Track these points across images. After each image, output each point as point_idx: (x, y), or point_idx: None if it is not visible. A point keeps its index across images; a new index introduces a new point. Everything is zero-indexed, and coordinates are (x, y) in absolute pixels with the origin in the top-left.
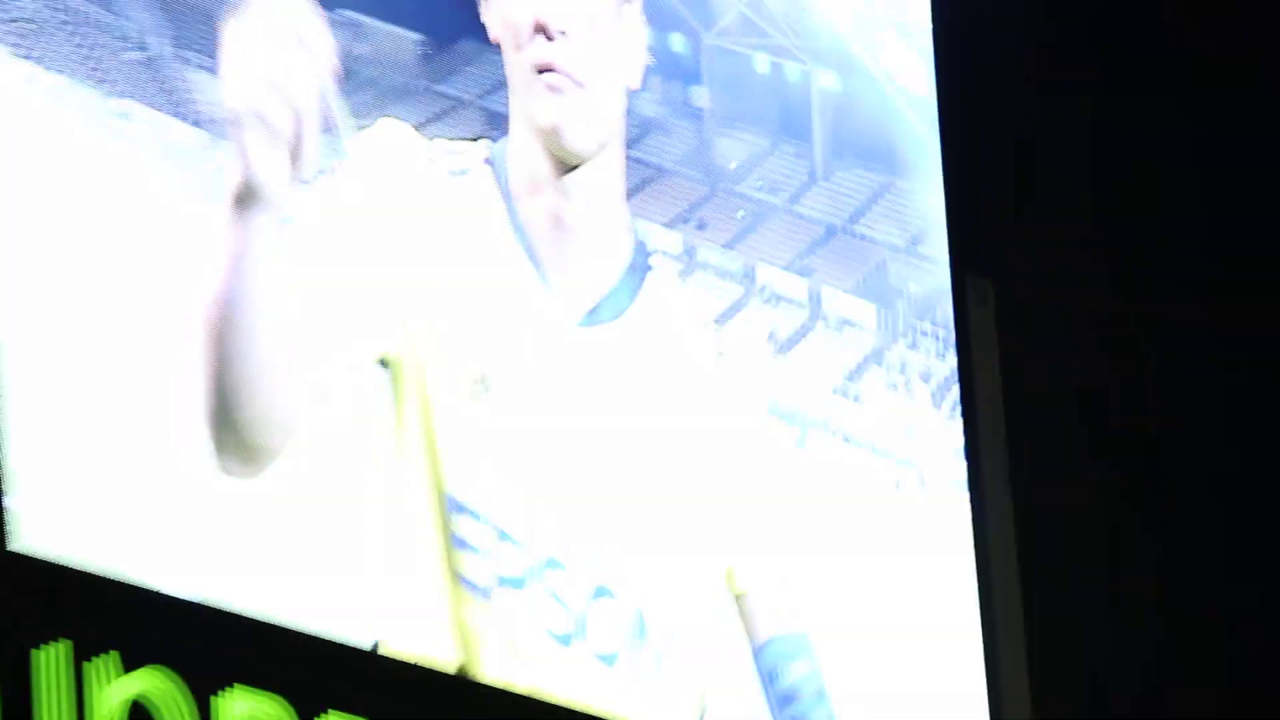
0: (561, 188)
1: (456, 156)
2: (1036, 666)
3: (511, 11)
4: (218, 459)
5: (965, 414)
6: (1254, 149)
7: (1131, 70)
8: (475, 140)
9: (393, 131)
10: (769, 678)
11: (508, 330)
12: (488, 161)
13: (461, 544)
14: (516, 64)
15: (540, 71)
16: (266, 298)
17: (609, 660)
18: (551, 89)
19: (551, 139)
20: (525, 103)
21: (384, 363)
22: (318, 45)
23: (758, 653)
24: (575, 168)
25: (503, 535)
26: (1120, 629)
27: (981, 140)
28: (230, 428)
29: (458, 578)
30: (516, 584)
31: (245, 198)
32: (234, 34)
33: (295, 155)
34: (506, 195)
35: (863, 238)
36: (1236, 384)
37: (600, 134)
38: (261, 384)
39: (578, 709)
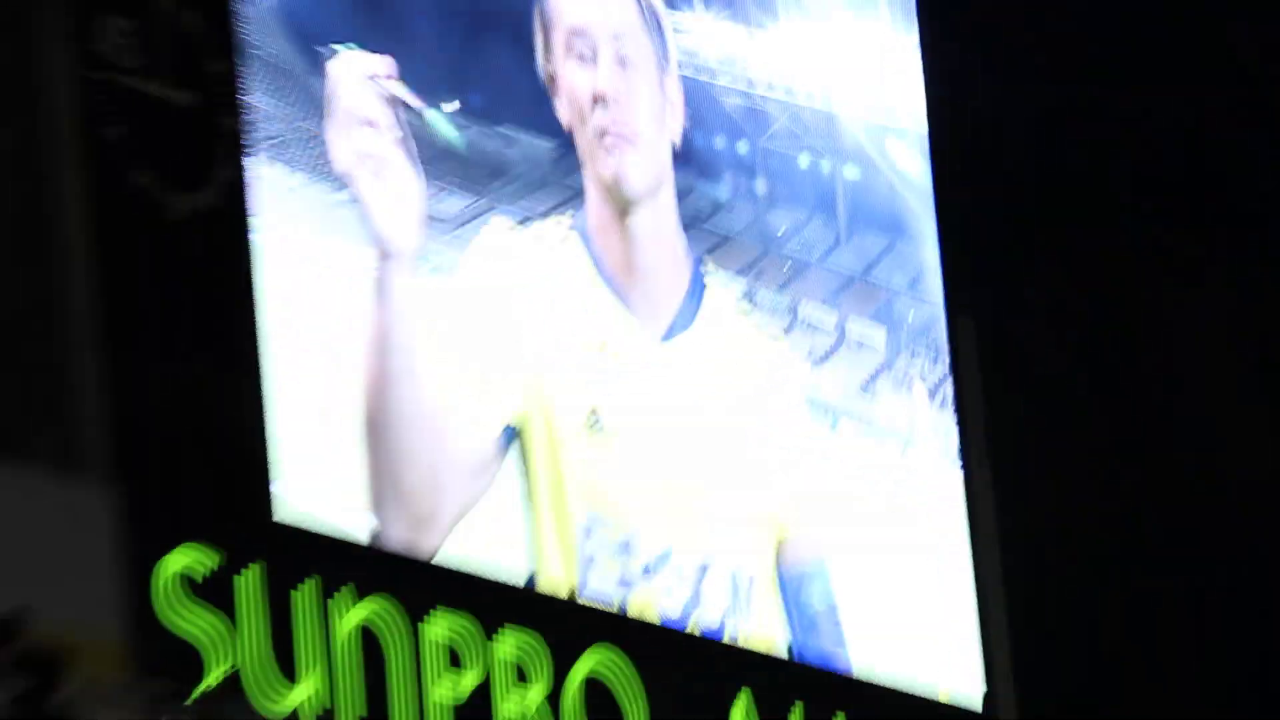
0: (628, 229)
1: (551, 233)
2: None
3: (575, 92)
4: (386, 530)
5: (955, 406)
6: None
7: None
8: (561, 217)
9: (500, 227)
10: (794, 594)
11: (607, 363)
12: (573, 229)
13: (591, 563)
14: (583, 136)
15: (601, 136)
16: (416, 348)
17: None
18: (611, 148)
19: (615, 189)
20: (593, 166)
21: (511, 427)
22: (385, 115)
23: (787, 577)
24: (637, 208)
25: (624, 546)
26: (1079, 575)
27: (961, 213)
28: (393, 499)
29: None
30: (638, 580)
31: (378, 248)
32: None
33: (402, 202)
34: (594, 256)
35: (875, 283)
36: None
37: (652, 179)
38: (418, 451)
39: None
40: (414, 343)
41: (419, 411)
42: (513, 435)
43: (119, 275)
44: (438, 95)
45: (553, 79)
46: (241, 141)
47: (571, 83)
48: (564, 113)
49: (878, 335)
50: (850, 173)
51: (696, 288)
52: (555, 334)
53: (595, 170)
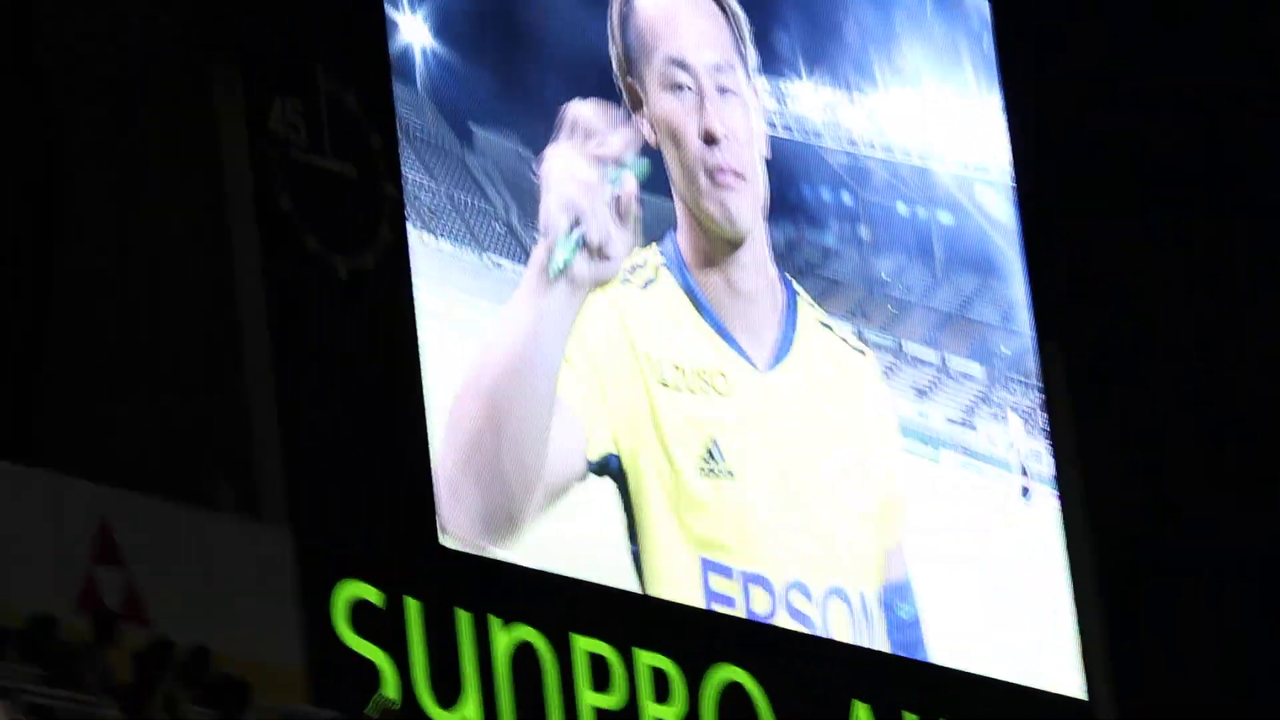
0: (735, 262)
1: (641, 270)
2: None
3: (673, 120)
4: (460, 523)
5: (1048, 433)
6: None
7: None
8: (645, 246)
9: (597, 271)
10: (889, 606)
11: (720, 400)
12: (664, 266)
13: (717, 598)
14: (679, 163)
15: (715, 174)
16: (553, 363)
17: None
18: (727, 186)
19: (727, 225)
20: (696, 199)
21: (600, 468)
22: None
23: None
24: (741, 242)
25: (751, 579)
26: (1169, 588)
27: (1045, 253)
28: (484, 484)
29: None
30: (767, 618)
31: (557, 275)
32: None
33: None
34: (690, 287)
35: (971, 319)
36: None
37: (759, 211)
38: (527, 444)
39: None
40: (545, 361)
41: (530, 425)
42: (607, 465)
43: (292, 332)
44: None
45: (633, 92)
46: (399, 209)
47: (668, 112)
48: (649, 133)
49: (975, 369)
50: (944, 218)
51: (790, 308)
52: (659, 368)
53: (701, 207)
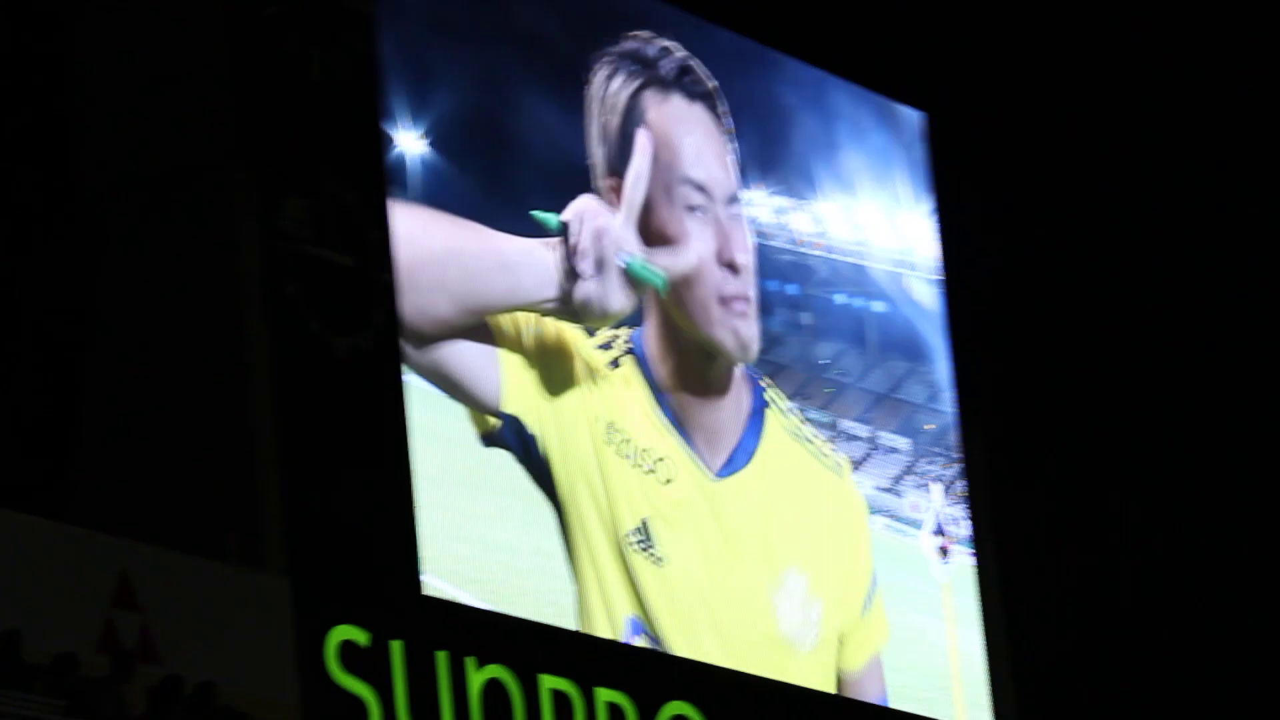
0: (706, 368)
1: (609, 351)
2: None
3: (700, 248)
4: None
5: (968, 500)
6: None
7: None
8: (618, 330)
9: (567, 337)
10: None
11: (661, 487)
12: (632, 351)
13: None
14: (692, 285)
15: (730, 301)
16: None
17: None
18: (741, 314)
19: (739, 352)
20: (708, 326)
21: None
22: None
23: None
24: (721, 376)
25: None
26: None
27: (969, 338)
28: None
29: None
30: None
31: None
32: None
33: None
34: (652, 381)
35: (900, 399)
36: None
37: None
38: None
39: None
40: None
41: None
42: (520, 431)
43: (294, 404)
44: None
45: (615, 193)
46: (391, 295)
47: (694, 239)
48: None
49: (902, 443)
50: (877, 307)
51: (757, 415)
52: (608, 430)
53: (712, 334)
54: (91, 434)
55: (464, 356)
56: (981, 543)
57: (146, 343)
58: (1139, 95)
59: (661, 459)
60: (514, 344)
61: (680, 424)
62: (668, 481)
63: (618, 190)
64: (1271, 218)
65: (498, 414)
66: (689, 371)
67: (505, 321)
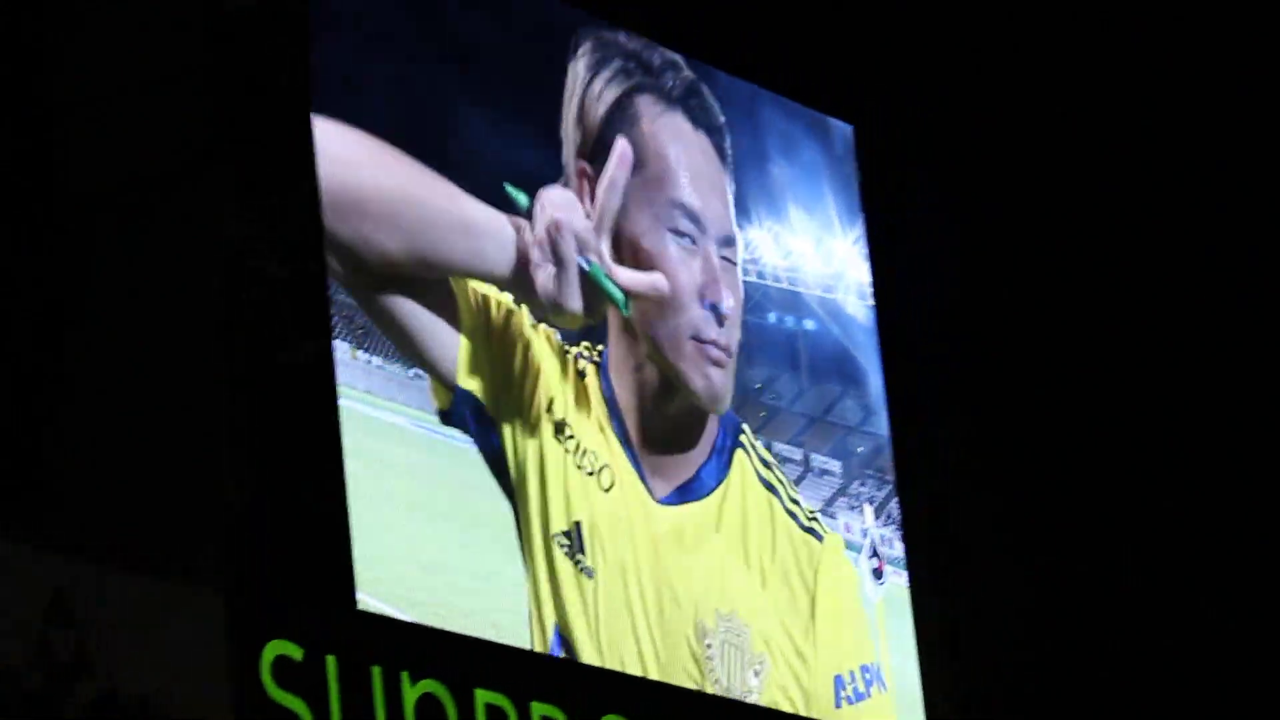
0: (675, 411)
1: (576, 357)
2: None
3: (669, 266)
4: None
5: (901, 522)
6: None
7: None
8: (595, 347)
9: (534, 329)
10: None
11: (598, 493)
12: (599, 365)
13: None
14: (663, 312)
15: (707, 345)
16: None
17: None
18: (718, 363)
19: (709, 402)
20: (676, 358)
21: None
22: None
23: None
24: (696, 420)
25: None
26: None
27: (902, 359)
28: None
29: None
30: None
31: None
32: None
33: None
34: (610, 397)
35: (833, 422)
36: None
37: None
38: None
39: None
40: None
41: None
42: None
43: (233, 418)
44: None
45: (584, 177)
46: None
47: (674, 265)
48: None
49: (834, 465)
50: (809, 326)
51: (722, 454)
52: (553, 416)
53: (677, 369)
54: (21, 448)
55: (423, 314)
56: (914, 563)
57: (84, 357)
58: (1077, 100)
59: (605, 466)
60: (476, 317)
61: (629, 444)
62: (609, 488)
63: (587, 176)
64: (1229, 231)
65: (453, 386)
66: (647, 398)
67: (470, 291)
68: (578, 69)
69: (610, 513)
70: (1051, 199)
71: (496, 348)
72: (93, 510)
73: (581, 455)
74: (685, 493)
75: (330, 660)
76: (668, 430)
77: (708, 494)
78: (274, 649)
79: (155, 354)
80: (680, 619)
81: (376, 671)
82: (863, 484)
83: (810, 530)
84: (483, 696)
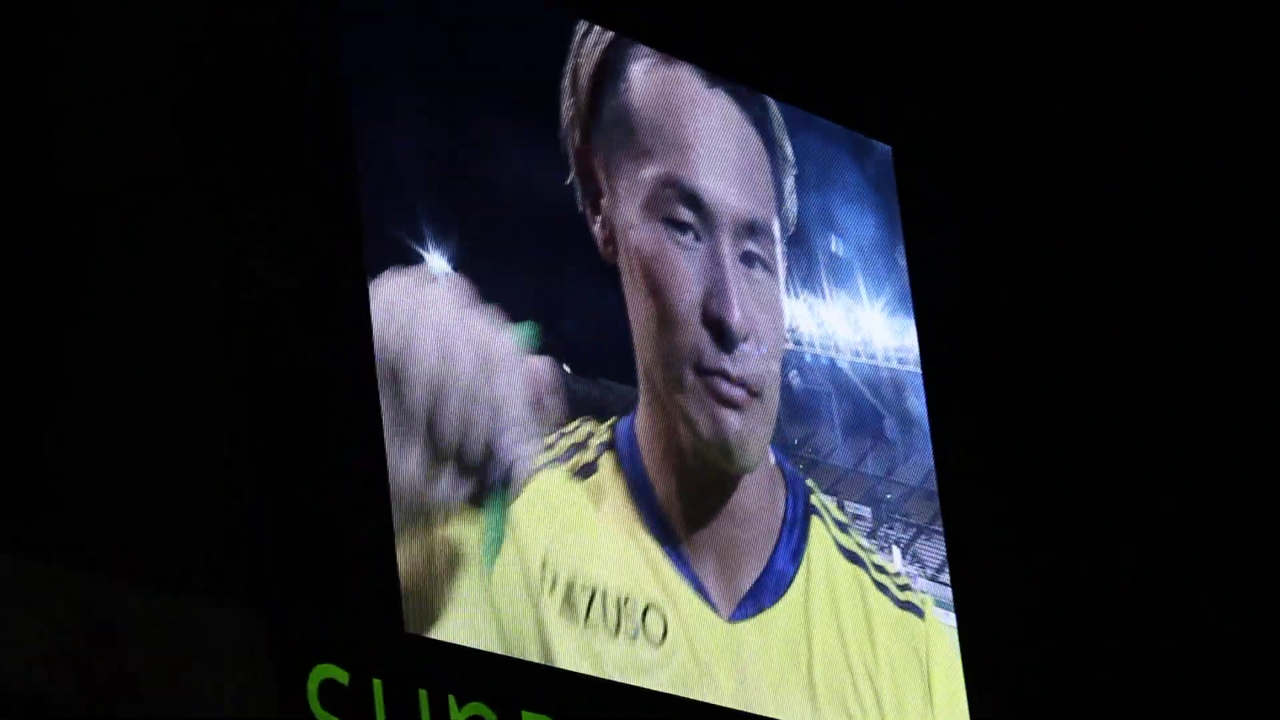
0: (729, 514)
1: (582, 453)
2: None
3: (658, 271)
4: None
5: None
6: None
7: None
8: (596, 425)
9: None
10: None
11: (650, 651)
12: (613, 446)
13: None
14: (655, 337)
15: (716, 379)
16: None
17: None
18: (733, 403)
19: (722, 456)
20: (672, 393)
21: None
22: None
23: None
24: (735, 489)
25: None
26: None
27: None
28: None
29: None
30: None
31: None
32: None
33: None
34: (639, 479)
35: (863, 473)
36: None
37: (767, 445)
38: None
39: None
40: None
41: None
42: None
43: (271, 438)
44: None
45: (586, 162)
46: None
47: (652, 254)
48: (601, 243)
49: (865, 511)
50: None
51: (795, 526)
52: (557, 583)
53: (680, 406)
54: (59, 465)
55: None
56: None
57: (114, 372)
58: (1076, 100)
59: (649, 607)
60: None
61: (674, 547)
62: (662, 640)
63: (587, 157)
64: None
65: None
66: (691, 471)
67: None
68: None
69: (678, 675)
70: (1051, 199)
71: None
72: (141, 535)
73: (614, 613)
74: (761, 593)
75: (376, 684)
76: (727, 507)
77: (789, 584)
78: (320, 673)
79: (155, 354)
80: None
81: (423, 695)
82: (890, 526)
83: (907, 605)
84: (529, 718)
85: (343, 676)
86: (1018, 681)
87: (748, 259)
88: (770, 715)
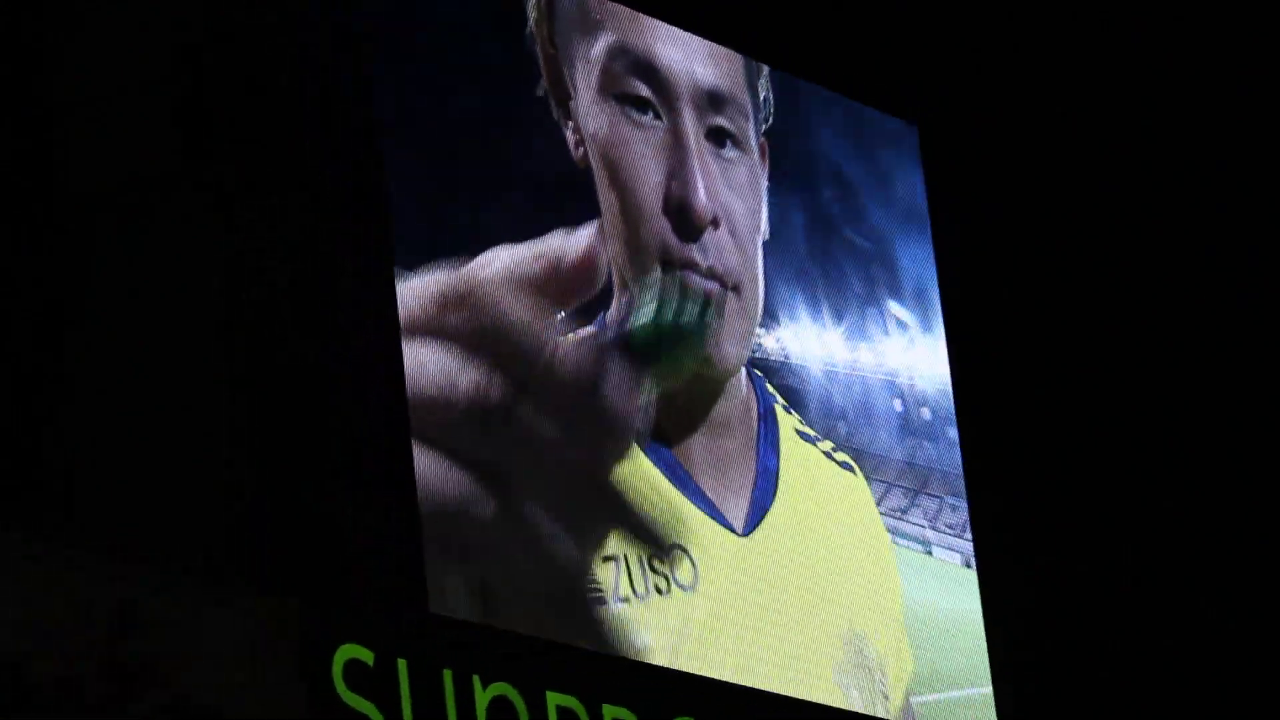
0: (722, 424)
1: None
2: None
3: (620, 157)
4: None
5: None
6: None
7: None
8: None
9: None
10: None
11: (694, 608)
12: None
13: None
14: (625, 233)
15: (687, 270)
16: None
17: None
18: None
19: (703, 368)
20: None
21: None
22: None
23: None
24: (719, 395)
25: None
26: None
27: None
28: None
29: None
30: None
31: None
32: None
33: None
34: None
35: (916, 464)
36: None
37: (749, 347)
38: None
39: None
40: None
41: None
42: None
43: (295, 423)
44: None
45: (553, 65)
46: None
47: (611, 139)
48: (574, 149)
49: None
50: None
51: (770, 429)
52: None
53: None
54: (78, 451)
55: None
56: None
57: (128, 358)
58: (1074, 101)
59: (675, 546)
60: None
61: (685, 477)
62: (691, 584)
63: (555, 62)
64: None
65: None
66: (691, 423)
67: None
68: None
69: (710, 614)
70: (1051, 199)
71: None
72: (156, 517)
73: (649, 570)
74: (760, 496)
75: (401, 664)
76: (714, 416)
77: (777, 478)
78: (345, 653)
79: (155, 354)
80: (804, 663)
81: (448, 675)
82: (930, 496)
83: (845, 466)
84: (554, 699)
85: (368, 657)
86: (1018, 681)
87: (716, 135)
88: (796, 617)
